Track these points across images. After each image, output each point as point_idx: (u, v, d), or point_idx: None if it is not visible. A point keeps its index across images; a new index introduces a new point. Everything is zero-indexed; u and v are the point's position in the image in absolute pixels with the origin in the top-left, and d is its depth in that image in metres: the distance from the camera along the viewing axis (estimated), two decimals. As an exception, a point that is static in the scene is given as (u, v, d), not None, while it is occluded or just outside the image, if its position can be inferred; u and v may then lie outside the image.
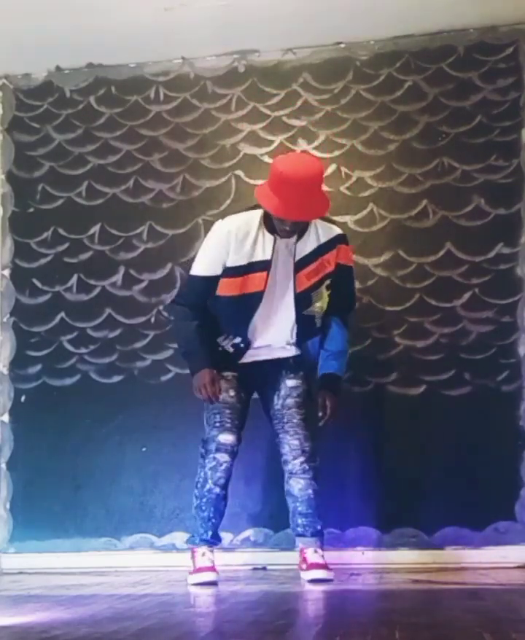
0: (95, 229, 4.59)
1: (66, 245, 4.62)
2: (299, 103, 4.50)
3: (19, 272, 4.65)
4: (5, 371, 4.59)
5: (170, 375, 4.41)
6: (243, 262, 3.60)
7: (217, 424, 3.65)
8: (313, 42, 4.46)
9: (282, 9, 4.15)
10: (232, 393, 3.68)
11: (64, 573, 4.16)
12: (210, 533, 3.67)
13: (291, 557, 3.91)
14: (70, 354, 4.53)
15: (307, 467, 3.61)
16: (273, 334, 3.69)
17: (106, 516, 4.37)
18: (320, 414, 3.68)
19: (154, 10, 4.15)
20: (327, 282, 3.67)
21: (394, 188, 4.38)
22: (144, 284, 4.51)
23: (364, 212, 4.38)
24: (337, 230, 3.71)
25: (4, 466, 4.51)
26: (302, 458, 3.62)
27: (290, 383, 3.71)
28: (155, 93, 4.64)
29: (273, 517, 4.13)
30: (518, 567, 3.94)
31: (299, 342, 3.71)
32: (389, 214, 4.37)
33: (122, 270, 4.55)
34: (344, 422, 4.20)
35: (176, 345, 4.05)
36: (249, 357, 3.71)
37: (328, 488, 4.07)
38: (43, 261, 4.64)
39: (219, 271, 3.62)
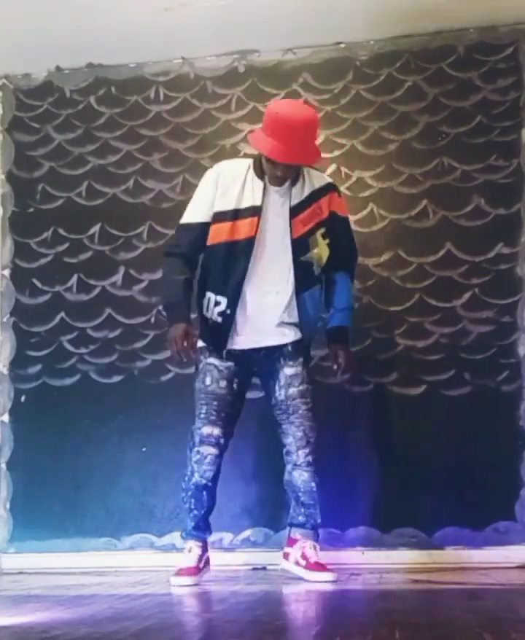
0: (95, 229, 4.59)
1: (66, 245, 4.62)
2: (299, 103, 4.50)
3: (19, 272, 4.65)
4: (5, 371, 4.59)
5: (170, 375, 4.41)
6: (231, 206, 3.57)
7: (202, 416, 3.61)
8: (313, 42, 4.46)
9: (282, 9, 4.16)
10: (223, 383, 3.63)
11: (64, 573, 4.16)
12: (192, 524, 3.65)
13: (291, 558, 3.91)
14: (70, 354, 4.53)
15: (311, 460, 3.59)
16: (270, 288, 3.59)
17: (106, 516, 4.37)
18: (334, 367, 3.66)
19: (154, 10, 4.15)
20: (322, 230, 3.64)
21: (394, 188, 4.39)
22: (143, 284, 4.51)
23: (364, 212, 4.38)
24: (328, 178, 3.79)
25: (3, 466, 4.51)
26: (306, 450, 3.59)
27: (289, 371, 3.63)
28: (155, 93, 4.65)
29: (273, 517, 4.13)
30: (518, 567, 3.94)
31: (297, 292, 3.60)
32: (389, 214, 4.37)
33: (122, 270, 4.55)
34: (344, 422, 4.22)
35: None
36: (243, 343, 3.62)
37: (328, 487, 4.07)
38: (43, 261, 4.64)
39: (208, 217, 3.60)
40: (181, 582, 3.51)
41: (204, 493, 3.63)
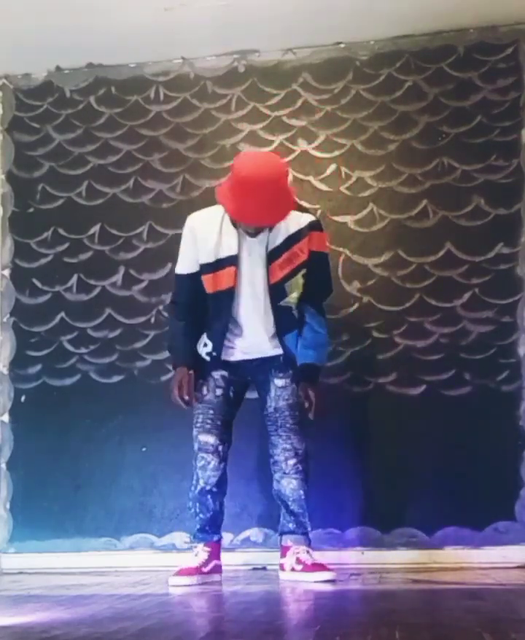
0: (95, 229, 4.59)
1: (66, 245, 4.62)
2: (299, 103, 4.50)
3: (19, 272, 4.65)
4: (5, 371, 4.59)
5: (170, 375, 4.35)
6: (211, 259, 3.60)
7: (198, 425, 3.68)
8: (313, 42, 4.46)
9: (282, 9, 4.16)
10: (218, 392, 3.68)
11: (64, 573, 4.17)
12: (198, 527, 3.69)
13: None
14: (70, 354, 4.54)
15: (300, 468, 3.61)
16: (255, 330, 3.63)
17: (106, 516, 4.37)
18: (306, 405, 3.61)
19: (154, 10, 4.15)
20: (303, 271, 3.61)
21: (394, 188, 4.39)
22: (143, 284, 4.52)
23: (364, 212, 4.38)
24: (307, 217, 3.64)
25: (3, 466, 4.51)
26: (294, 460, 3.61)
27: (279, 382, 3.66)
28: (155, 93, 4.65)
29: (273, 517, 4.10)
30: (518, 567, 3.94)
31: (279, 336, 3.63)
32: (388, 214, 4.37)
33: (122, 270, 4.55)
34: (344, 422, 4.22)
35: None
36: (237, 355, 3.67)
37: (328, 487, 4.09)
38: (43, 261, 4.64)
39: (195, 268, 3.65)
40: (178, 582, 3.51)
41: (209, 497, 3.66)
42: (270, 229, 3.56)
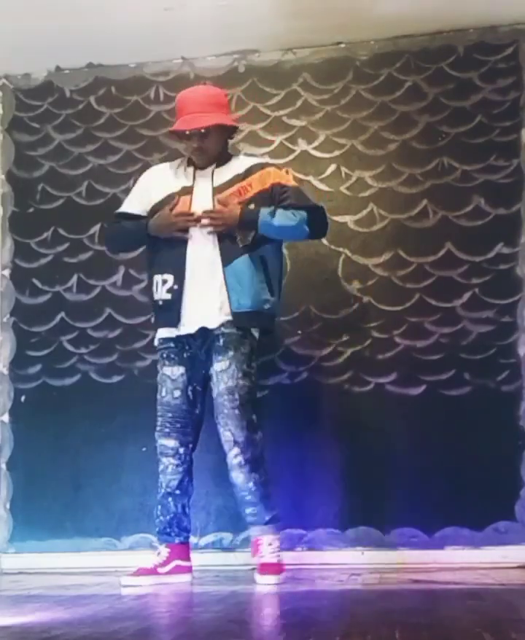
0: (95, 229, 4.59)
1: (66, 245, 4.62)
2: (299, 103, 4.50)
3: (19, 272, 4.65)
4: (5, 371, 4.59)
5: (170, 375, 4.40)
6: (166, 192, 3.72)
7: (157, 428, 3.69)
8: (313, 42, 4.45)
9: (282, 9, 4.16)
10: (177, 394, 3.66)
11: (64, 573, 4.16)
12: (158, 528, 3.70)
13: (291, 558, 3.91)
14: (70, 354, 4.53)
15: (242, 460, 3.54)
16: (202, 264, 3.62)
17: (106, 516, 4.37)
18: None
19: (154, 10, 4.15)
20: (251, 205, 3.65)
21: (394, 188, 4.38)
22: (143, 284, 4.49)
23: (364, 212, 4.38)
24: (256, 159, 3.88)
25: (4, 466, 4.51)
26: (235, 451, 3.54)
27: (218, 366, 3.59)
28: (155, 93, 4.65)
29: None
30: (518, 567, 3.94)
31: (225, 262, 3.58)
32: (388, 214, 4.37)
33: (122, 270, 4.55)
34: (344, 422, 4.22)
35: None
36: (187, 326, 3.61)
37: (328, 487, 4.09)
38: (43, 261, 4.64)
39: (144, 210, 3.75)
40: (130, 582, 3.50)
41: (169, 499, 3.67)
42: (218, 166, 3.73)
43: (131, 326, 4.49)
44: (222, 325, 3.60)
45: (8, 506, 4.47)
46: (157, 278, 3.68)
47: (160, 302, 3.67)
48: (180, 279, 3.61)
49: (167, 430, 3.67)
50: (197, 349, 3.66)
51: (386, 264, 4.34)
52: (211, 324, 3.61)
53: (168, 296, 3.63)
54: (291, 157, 4.45)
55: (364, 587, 3.43)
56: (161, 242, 3.69)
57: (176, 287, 3.61)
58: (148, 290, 3.83)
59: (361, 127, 4.44)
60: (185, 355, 3.68)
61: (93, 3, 4.10)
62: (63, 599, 3.15)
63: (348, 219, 4.38)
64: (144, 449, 4.35)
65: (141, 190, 3.83)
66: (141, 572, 3.57)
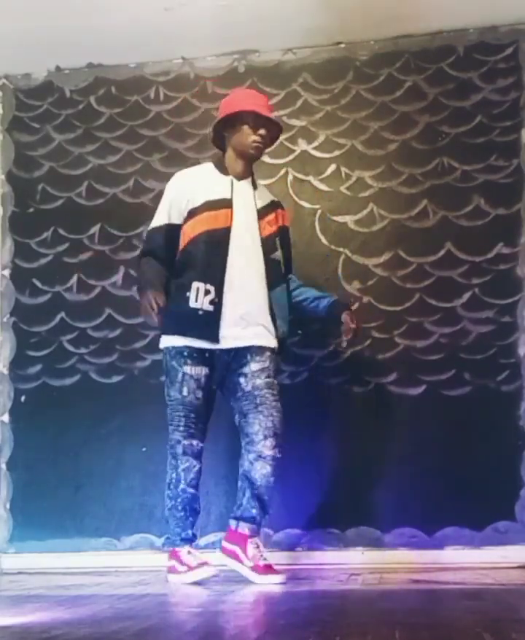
0: (95, 229, 4.59)
1: (66, 245, 4.62)
2: (299, 103, 4.51)
3: (19, 272, 4.65)
4: (5, 371, 4.59)
5: (170, 375, 4.40)
6: (202, 200, 3.65)
7: (181, 428, 3.63)
8: (313, 42, 4.46)
9: (282, 9, 4.16)
10: (199, 394, 3.63)
11: (64, 573, 4.17)
12: (190, 531, 3.66)
13: (291, 557, 3.92)
14: (70, 354, 4.53)
15: (276, 453, 3.53)
16: (247, 283, 3.62)
17: (106, 516, 4.37)
18: (346, 331, 3.75)
19: (154, 10, 4.15)
20: (276, 238, 3.77)
21: (394, 188, 4.39)
22: (143, 284, 4.51)
23: (364, 212, 4.38)
24: (271, 195, 3.91)
25: (3, 466, 4.51)
26: (272, 441, 3.51)
27: (255, 366, 3.60)
28: (155, 93, 4.65)
29: (273, 517, 4.11)
30: (518, 567, 3.94)
31: (269, 288, 3.67)
32: (389, 214, 4.37)
33: (122, 270, 4.55)
34: (344, 422, 4.22)
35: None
36: (225, 342, 3.60)
37: (328, 487, 4.09)
38: (43, 261, 4.64)
39: (178, 219, 3.69)
40: (204, 574, 3.52)
41: (196, 501, 3.65)
42: (255, 186, 3.76)
43: (131, 326, 4.49)
44: (259, 344, 3.64)
45: (8, 506, 4.48)
46: (199, 286, 3.59)
47: (200, 312, 3.59)
48: (220, 293, 3.59)
49: (191, 430, 3.63)
50: (222, 352, 3.65)
51: (386, 264, 4.34)
52: (249, 343, 3.62)
53: (211, 308, 3.58)
54: (291, 157, 4.46)
55: (364, 587, 3.43)
56: (203, 248, 3.62)
57: (217, 300, 3.59)
58: (177, 295, 3.63)
59: (361, 127, 4.44)
60: (207, 355, 3.64)
61: (93, 3, 4.10)
62: (63, 599, 3.15)
63: (348, 219, 4.38)
64: (144, 449, 4.36)
65: (173, 199, 3.71)
66: (200, 566, 3.56)
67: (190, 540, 3.67)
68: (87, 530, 4.37)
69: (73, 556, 4.33)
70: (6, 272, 4.66)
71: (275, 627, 2.47)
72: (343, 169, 4.43)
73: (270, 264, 3.69)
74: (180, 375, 3.63)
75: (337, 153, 4.44)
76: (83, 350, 4.53)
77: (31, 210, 4.69)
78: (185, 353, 3.62)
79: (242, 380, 3.62)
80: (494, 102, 4.35)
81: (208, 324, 3.58)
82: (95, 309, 4.55)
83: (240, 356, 3.63)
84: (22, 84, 4.77)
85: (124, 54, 4.54)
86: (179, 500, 3.62)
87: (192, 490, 3.62)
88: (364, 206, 4.39)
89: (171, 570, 3.63)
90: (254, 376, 3.60)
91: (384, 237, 4.36)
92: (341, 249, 4.37)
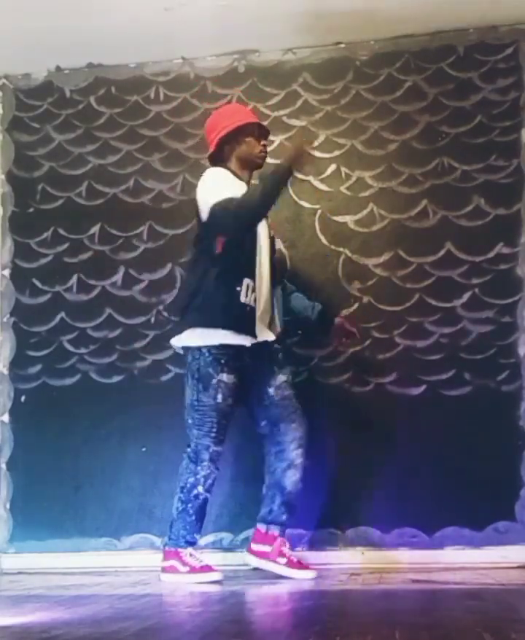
0: (95, 229, 4.59)
1: (66, 245, 4.62)
2: (299, 103, 4.51)
3: (19, 272, 4.65)
4: (5, 371, 4.59)
5: (170, 375, 4.40)
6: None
7: (212, 434, 3.65)
8: (313, 42, 4.46)
9: (282, 9, 4.16)
10: (230, 401, 3.68)
11: (64, 573, 4.17)
12: (196, 535, 3.70)
13: (291, 557, 3.90)
14: (70, 354, 4.53)
15: (304, 461, 3.73)
16: (265, 282, 3.77)
17: (106, 516, 4.37)
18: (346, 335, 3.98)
19: (154, 10, 4.15)
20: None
21: (394, 188, 4.39)
22: (143, 284, 4.52)
23: (364, 212, 4.38)
24: None
25: (3, 466, 4.51)
26: (301, 450, 3.73)
27: (282, 377, 3.80)
28: (155, 93, 4.65)
29: (273, 517, 4.12)
30: (518, 567, 3.94)
31: (274, 283, 3.83)
32: (389, 214, 4.37)
33: (122, 270, 4.55)
34: (344, 422, 4.22)
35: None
36: (258, 336, 3.71)
37: (328, 487, 4.08)
38: (43, 261, 4.64)
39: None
40: (210, 578, 3.57)
41: (206, 506, 3.70)
42: None
43: (131, 326, 4.49)
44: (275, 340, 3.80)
45: (8, 506, 4.48)
46: (248, 282, 3.68)
47: (248, 308, 3.68)
48: (254, 289, 3.71)
49: (221, 437, 3.68)
50: (249, 359, 3.71)
51: (386, 264, 4.34)
52: (270, 337, 3.77)
53: (253, 305, 3.70)
54: (291, 157, 4.45)
55: (364, 587, 3.43)
56: (246, 244, 3.72)
57: (255, 296, 3.71)
58: (226, 289, 3.64)
59: (361, 127, 4.44)
60: (237, 364, 3.70)
61: (93, 3, 4.10)
62: (63, 599, 3.15)
63: (348, 219, 4.38)
64: (143, 449, 4.36)
65: (232, 183, 3.70)
66: (204, 569, 3.62)
67: (193, 543, 3.70)
68: (87, 530, 4.37)
69: (73, 556, 4.33)
70: (6, 272, 4.66)
71: (275, 627, 2.47)
72: (343, 169, 4.43)
73: (274, 265, 3.85)
74: (215, 382, 3.65)
75: (337, 153, 4.44)
76: (83, 351, 4.53)
77: (31, 210, 4.69)
78: (222, 361, 3.66)
79: (270, 389, 3.76)
80: (494, 102, 4.35)
81: (252, 320, 3.70)
82: (95, 309, 4.55)
83: (267, 364, 3.76)
84: (22, 84, 4.77)
85: (124, 54, 4.54)
86: (191, 504, 3.65)
87: (206, 495, 3.66)
88: (364, 206, 4.39)
89: (169, 569, 3.65)
90: (283, 388, 3.77)
91: (384, 237, 4.36)
92: (341, 249, 4.37)
